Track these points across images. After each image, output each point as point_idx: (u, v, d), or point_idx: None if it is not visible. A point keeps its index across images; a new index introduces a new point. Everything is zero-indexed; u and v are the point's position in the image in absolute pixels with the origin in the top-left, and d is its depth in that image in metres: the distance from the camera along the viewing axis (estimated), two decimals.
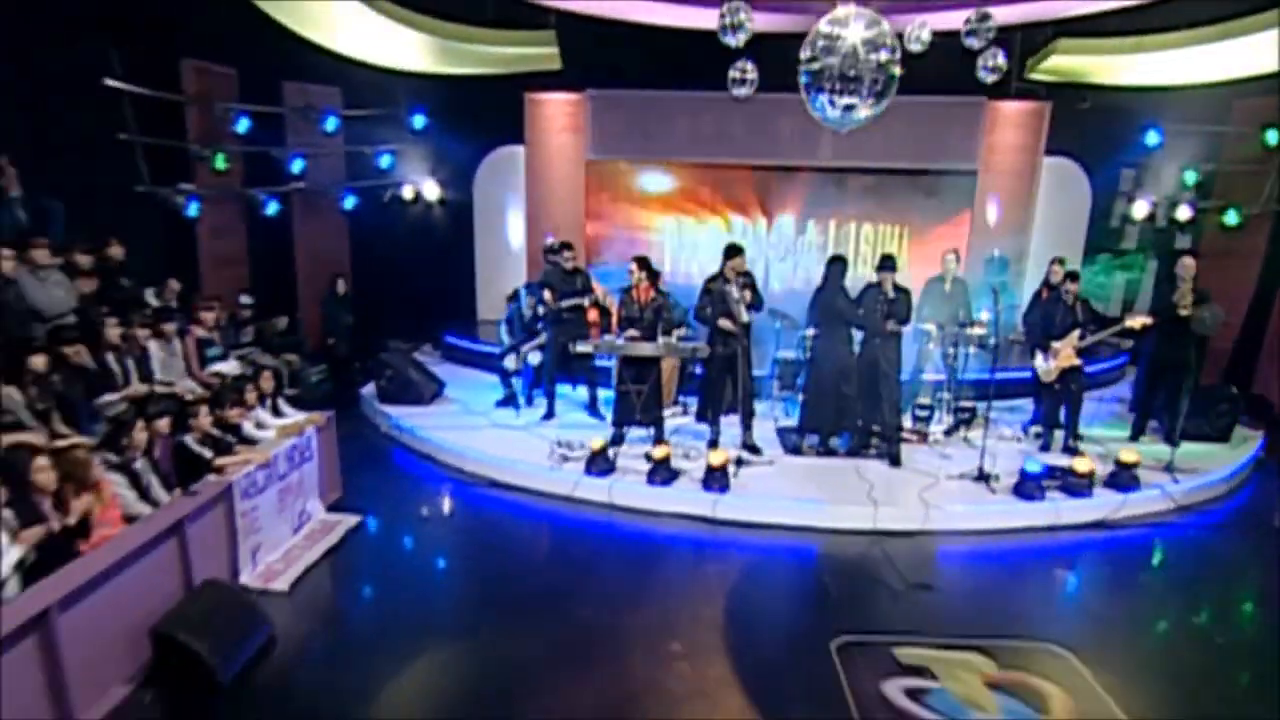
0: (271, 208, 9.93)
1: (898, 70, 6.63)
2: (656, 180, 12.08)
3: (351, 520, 6.80)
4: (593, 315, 8.95)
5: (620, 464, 7.52)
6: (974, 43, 6.88)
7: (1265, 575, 6.42)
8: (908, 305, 7.63)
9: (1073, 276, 8.05)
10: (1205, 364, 9.59)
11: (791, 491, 7.15)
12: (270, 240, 10.66)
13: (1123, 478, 7.22)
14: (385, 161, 11.54)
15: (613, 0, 9.74)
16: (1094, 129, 11.56)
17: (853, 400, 7.72)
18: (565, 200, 12.14)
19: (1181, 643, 5.46)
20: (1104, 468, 7.40)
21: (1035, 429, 8.52)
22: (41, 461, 4.52)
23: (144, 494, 5.32)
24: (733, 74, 7.13)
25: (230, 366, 7.40)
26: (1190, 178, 10.80)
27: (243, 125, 9.38)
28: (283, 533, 6.31)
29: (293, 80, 10.56)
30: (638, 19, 10.15)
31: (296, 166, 10.22)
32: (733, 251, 7.69)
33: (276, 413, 6.92)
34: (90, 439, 5.31)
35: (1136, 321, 7.70)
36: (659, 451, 7.26)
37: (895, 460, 7.70)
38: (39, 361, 5.28)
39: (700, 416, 8.38)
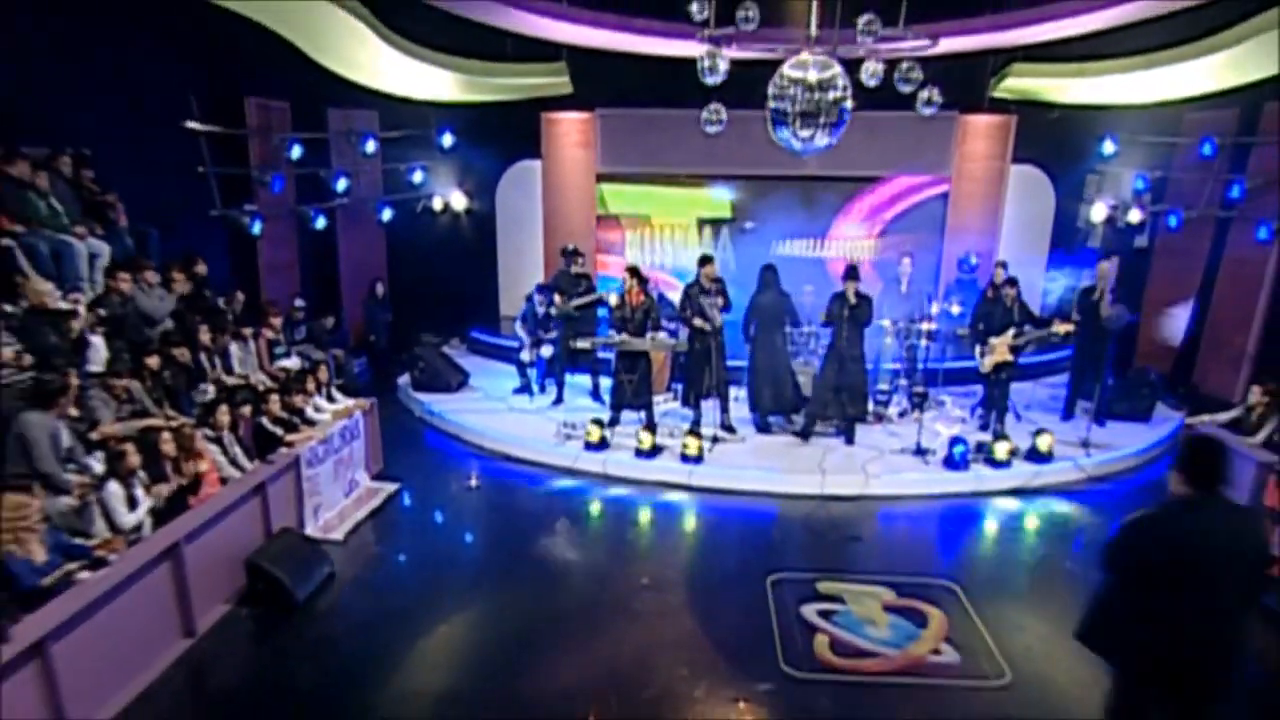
0: (320, 222, 11.47)
1: (850, 104, 7.95)
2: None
3: (391, 487, 8.37)
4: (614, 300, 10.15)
5: (614, 441, 8.98)
6: (905, 88, 8.13)
7: None
8: (869, 310, 8.98)
9: (1011, 281, 9.32)
10: (1135, 350, 10.80)
11: (755, 463, 8.59)
12: (317, 249, 12.22)
13: (1039, 452, 8.54)
14: (417, 177, 13.05)
15: (614, 33, 11.17)
16: (1057, 139, 12.76)
17: (789, 387, 9.09)
18: (577, 208, 13.59)
19: (1048, 581, 6.82)
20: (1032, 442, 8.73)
21: (981, 411, 9.85)
22: (166, 436, 6.11)
23: (233, 461, 6.90)
24: (705, 115, 8.46)
25: (293, 362, 8.97)
26: (1140, 184, 11.97)
27: (296, 152, 10.90)
28: (337, 496, 7.89)
29: (336, 107, 12.08)
30: (638, 50, 11.59)
31: (341, 185, 11.74)
32: (704, 261, 9.16)
33: (330, 399, 8.48)
34: (191, 419, 6.89)
35: (1061, 327, 8.98)
36: (645, 442, 8.70)
37: (850, 439, 9.08)
38: (154, 361, 6.87)
39: (684, 401, 9.80)
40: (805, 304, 10.59)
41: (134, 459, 5.84)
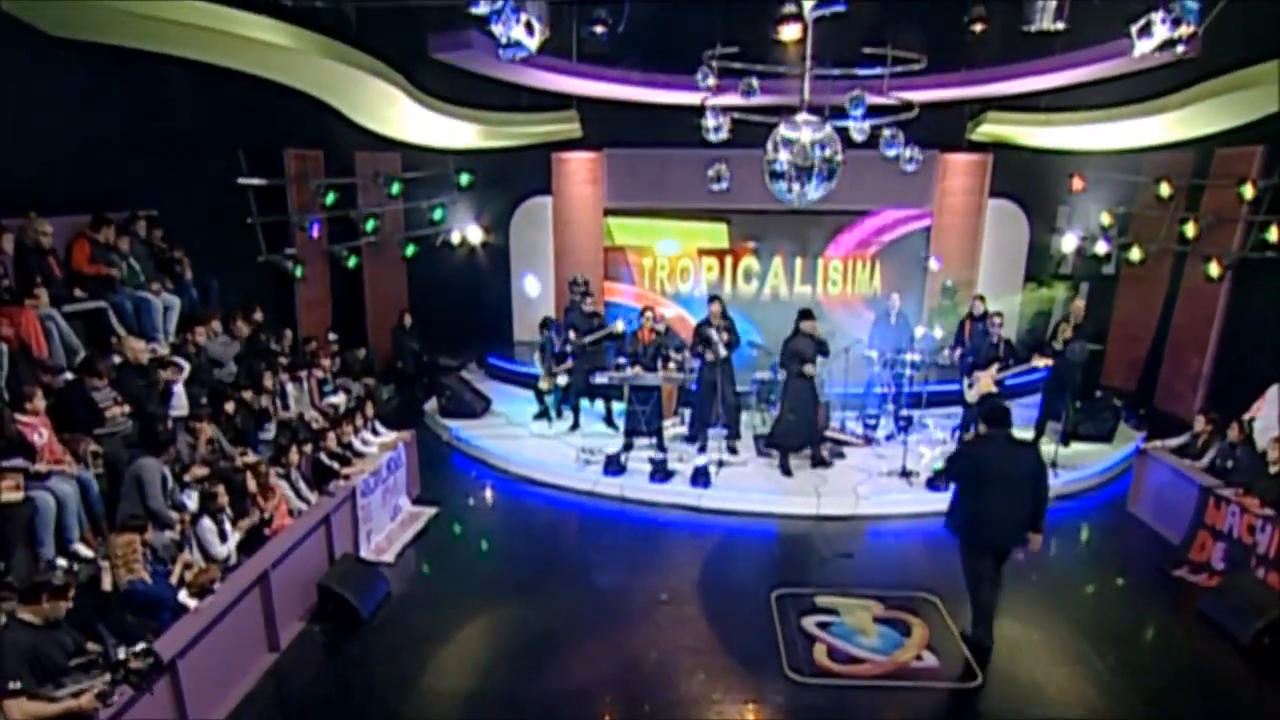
0: (351, 261, 12.31)
1: (840, 159, 8.80)
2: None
3: (431, 511, 9.21)
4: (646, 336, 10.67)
5: (630, 466, 9.85)
6: (890, 150, 8.97)
7: (1101, 545, 8.72)
8: (825, 350, 9.81)
9: (998, 316, 10.20)
10: (1097, 379, 11.71)
11: (757, 486, 9.47)
12: (346, 284, 13.03)
13: None
14: (438, 214, 13.90)
15: (620, 86, 12.03)
16: (1031, 175, 13.69)
17: (807, 426, 9.99)
18: (585, 240, 14.44)
19: (1017, 591, 7.65)
20: None
21: (961, 432, 10.75)
22: (248, 476, 6.95)
23: (298, 494, 7.73)
24: (710, 173, 9.29)
25: (339, 398, 9.81)
26: (1106, 219, 12.89)
27: (330, 198, 11.73)
28: (384, 520, 8.73)
29: (363, 150, 12.89)
30: (643, 100, 12.45)
31: (369, 225, 12.58)
32: (711, 300, 10.08)
33: (375, 432, 9.33)
34: (262, 457, 7.72)
35: (1041, 362, 9.88)
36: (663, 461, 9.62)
37: (823, 464, 9.99)
38: (229, 406, 7.71)
39: (690, 438, 10.64)
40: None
41: (223, 498, 6.68)
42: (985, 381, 9.89)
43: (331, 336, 11.69)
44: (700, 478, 9.45)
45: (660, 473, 9.58)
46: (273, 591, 6.56)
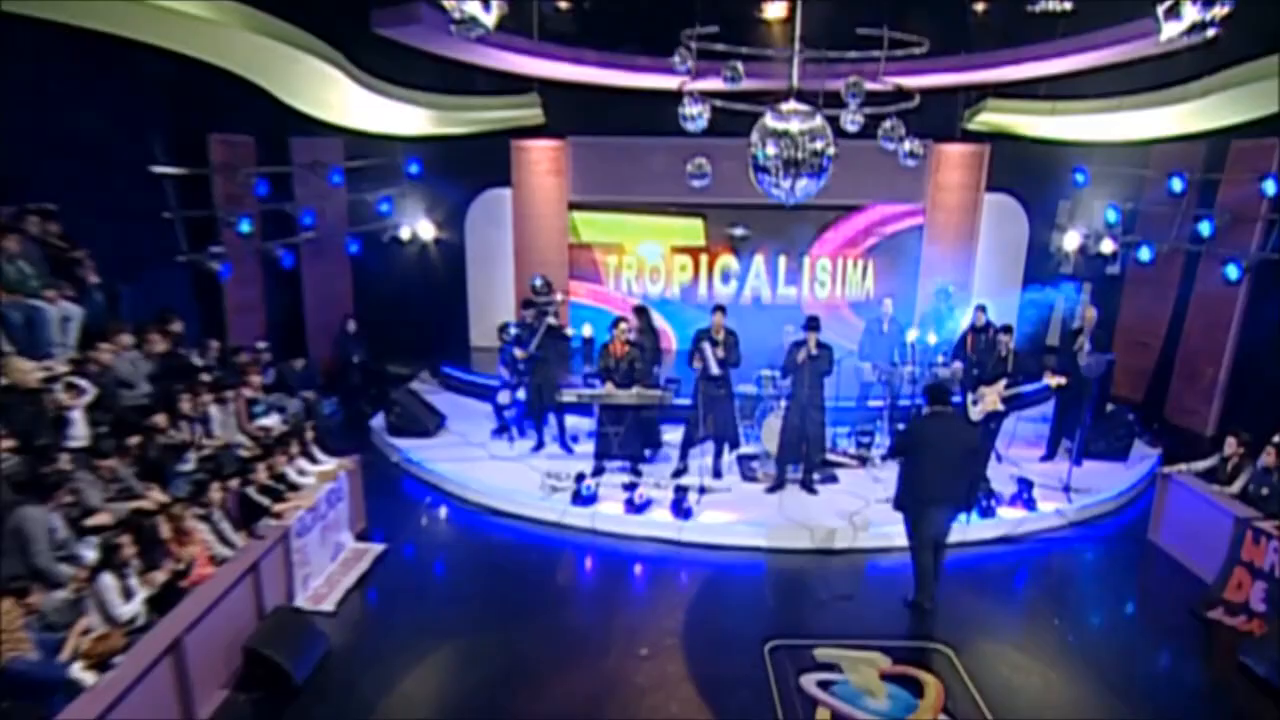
0: (287, 261, 11.53)
1: (832, 151, 8.28)
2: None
3: (377, 548, 8.53)
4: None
5: (601, 493, 9.24)
6: (890, 145, 8.46)
7: (1123, 580, 8.30)
8: (829, 360, 9.30)
9: (1007, 330, 9.74)
10: (1110, 391, 11.34)
11: (744, 516, 8.92)
12: (283, 286, 12.26)
13: (1024, 499, 8.99)
14: (385, 207, 13.16)
15: (586, 68, 11.42)
16: (1030, 168, 13.31)
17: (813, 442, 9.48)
18: (549, 238, 13.81)
19: (1037, 637, 7.23)
20: (1014, 487, 9.19)
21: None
22: (159, 520, 6.23)
23: (222, 538, 7.02)
24: (690, 167, 8.73)
25: (273, 420, 9.07)
26: (1112, 215, 12.53)
27: (262, 190, 10.96)
28: (324, 562, 8.04)
29: (300, 136, 12.11)
30: (611, 84, 11.85)
31: (307, 220, 11.82)
32: (715, 310, 9.62)
33: (313, 459, 8.61)
34: (177, 494, 7.00)
35: (1054, 381, 9.44)
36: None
37: (812, 489, 9.48)
38: (135, 440, 6.97)
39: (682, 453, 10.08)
40: (786, 344, 10.98)
41: (129, 548, 5.96)
42: (991, 398, 9.43)
43: (262, 346, 10.93)
44: (681, 507, 8.87)
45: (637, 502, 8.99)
46: (189, 658, 5.85)
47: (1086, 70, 10.84)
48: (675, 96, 8.11)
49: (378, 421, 11.44)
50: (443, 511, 9.62)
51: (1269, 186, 10.54)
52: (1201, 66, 9.97)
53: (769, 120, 8.41)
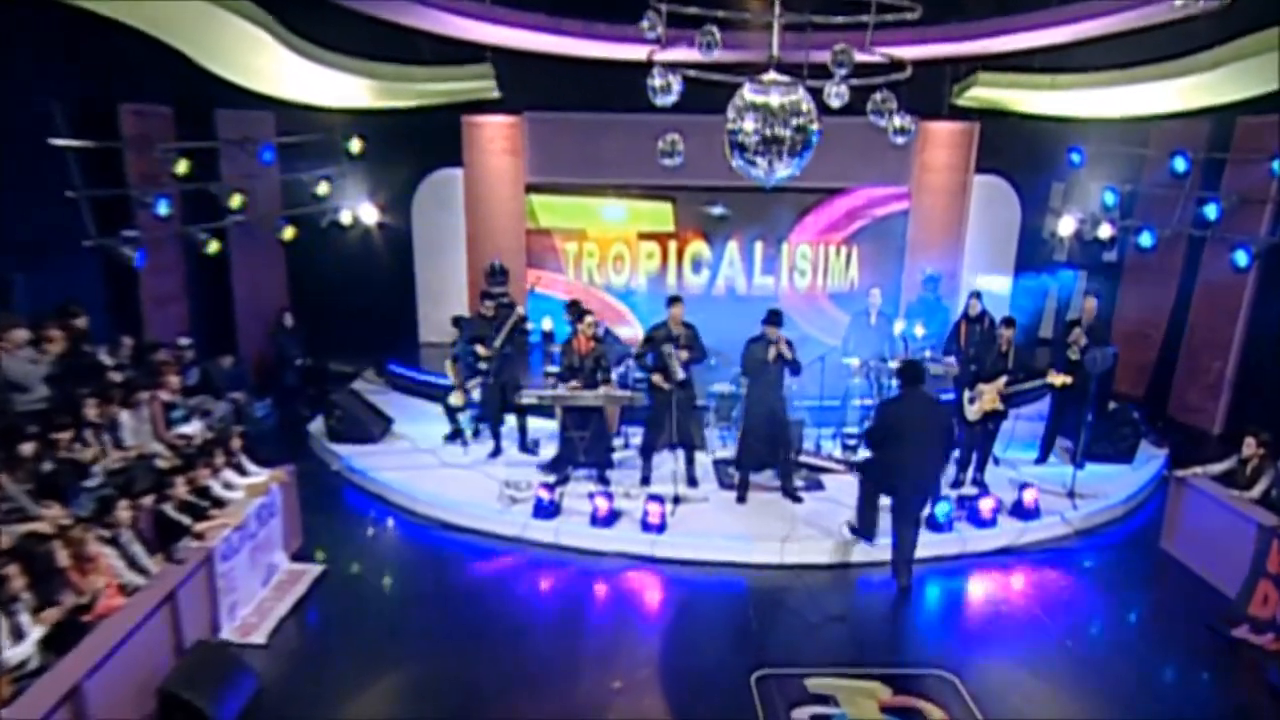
0: (212, 246, 10.90)
1: (815, 127, 7.89)
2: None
3: (315, 569, 8.01)
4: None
5: (566, 504, 8.79)
6: (880, 121, 8.08)
7: (1137, 595, 8.03)
8: (794, 355, 8.87)
9: (1009, 322, 9.40)
10: (1112, 388, 11.11)
11: (723, 529, 8.54)
12: (208, 275, 11.62)
13: (1025, 506, 8.70)
14: (322, 188, 12.56)
15: (545, 35, 10.90)
16: (1022, 148, 13.05)
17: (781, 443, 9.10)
18: (504, 222, 13.30)
19: (1046, 660, 6.91)
20: (1014, 493, 8.91)
21: (955, 453, 9.96)
22: (57, 545, 5.67)
23: (132, 564, 6.46)
24: (661, 145, 8.28)
25: (194, 428, 8.49)
26: (1110, 198, 12.31)
27: (182, 166, 10.31)
28: (254, 587, 7.50)
29: (226, 108, 11.48)
30: (572, 53, 11.35)
31: (235, 202, 11.18)
32: (672, 301, 9.07)
33: (242, 471, 8.05)
34: (79, 513, 6.42)
35: (1057, 380, 9.12)
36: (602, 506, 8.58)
37: (796, 498, 9.11)
38: (28, 449, 6.39)
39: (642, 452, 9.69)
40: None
41: (18, 582, 5.41)
42: (990, 397, 9.09)
43: (185, 343, 10.33)
44: (653, 519, 8.44)
45: (607, 515, 8.55)
46: (91, 706, 5.31)
47: (1086, 41, 10.55)
48: (643, 68, 7.69)
49: (317, 426, 10.87)
50: (390, 526, 9.12)
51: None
52: (1210, 37, 9.74)
53: (747, 92, 8.03)
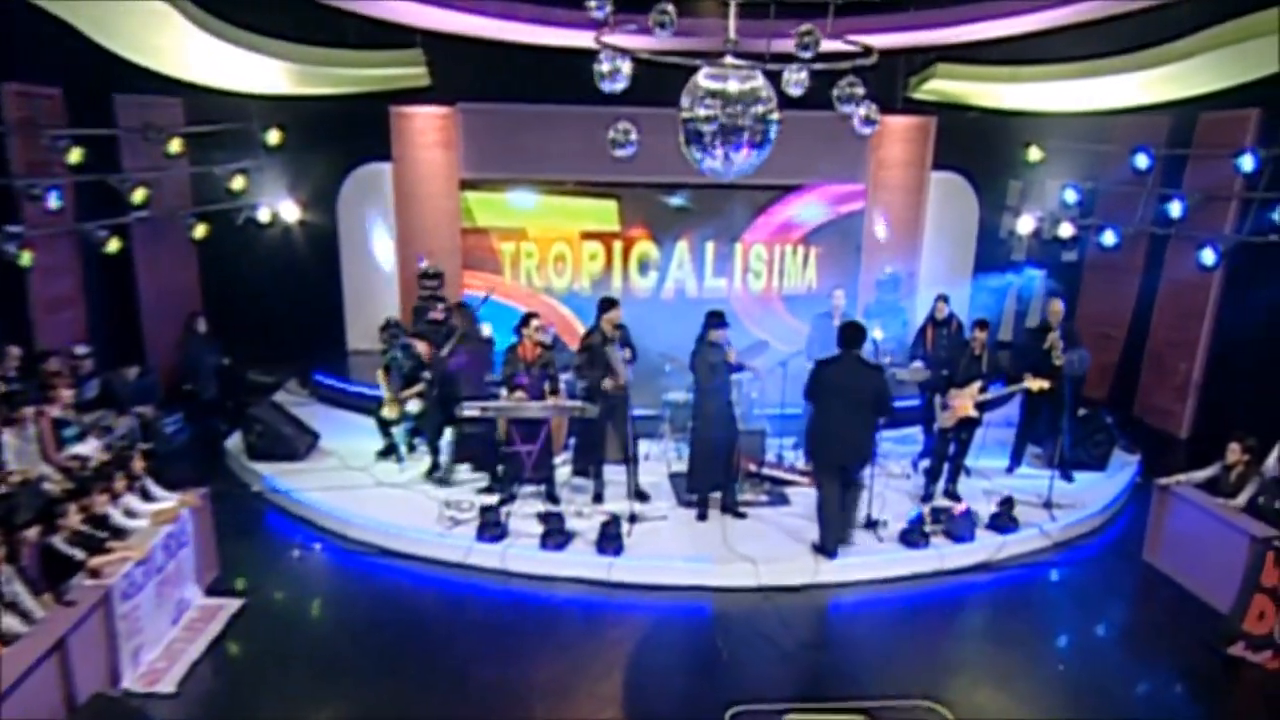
0: (112, 244, 10.07)
1: (776, 117, 7.46)
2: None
3: (233, 604, 7.28)
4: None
5: (513, 525, 8.20)
6: (848, 108, 7.68)
7: (1126, 611, 7.76)
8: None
9: (982, 325, 9.06)
10: (1081, 392, 10.91)
11: (684, 549, 8.05)
12: (109, 277, 10.79)
13: (1003, 519, 8.37)
14: (237, 183, 11.76)
15: (478, 18, 10.27)
16: (980, 144, 12.85)
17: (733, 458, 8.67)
18: (438, 221, 12.64)
19: (1035, 684, 6.57)
20: (988, 505, 8.61)
21: (924, 463, 9.63)
22: None
23: (11, 605, 5.69)
24: (612, 135, 7.77)
25: (90, 446, 7.70)
26: (1071, 196, 12.14)
27: (75, 155, 9.47)
28: (162, 627, 6.76)
29: (126, 93, 10.65)
30: (508, 38, 10.75)
31: (138, 196, 10.36)
32: (608, 305, 8.61)
33: (147, 495, 7.29)
34: None
35: (1034, 384, 8.82)
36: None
37: (729, 512, 8.66)
38: None
39: (579, 472, 9.15)
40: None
41: None
42: (964, 403, 8.74)
43: (82, 351, 9.50)
44: (609, 540, 7.90)
45: (557, 535, 7.97)
46: None
47: (1050, 31, 10.32)
48: (586, 55, 7.22)
49: (234, 442, 10.10)
50: (318, 553, 8.40)
51: (1245, 162, 10.23)
52: (1176, 28, 9.56)
53: (703, 79, 7.56)
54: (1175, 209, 10.95)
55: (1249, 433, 7.89)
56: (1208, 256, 10.56)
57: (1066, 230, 12.25)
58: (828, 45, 7.69)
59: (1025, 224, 12.71)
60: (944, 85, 11.83)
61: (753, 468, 9.24)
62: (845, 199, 12.93)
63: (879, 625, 7.42)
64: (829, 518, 7.83)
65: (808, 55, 7.31)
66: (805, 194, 12.86)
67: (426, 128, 12.48)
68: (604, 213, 12.85)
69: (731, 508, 8.68)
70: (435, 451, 9.43)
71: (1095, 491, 9.35)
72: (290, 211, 12.30)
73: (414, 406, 9.64)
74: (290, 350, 12.08)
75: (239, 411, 10.45)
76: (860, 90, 7.75)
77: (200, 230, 11.53)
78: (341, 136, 12.24)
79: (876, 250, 12.94)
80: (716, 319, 8.37)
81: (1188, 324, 11.25)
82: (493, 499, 8.61)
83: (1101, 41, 10.31)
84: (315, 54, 10.42)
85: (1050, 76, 10.90)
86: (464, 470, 9.49)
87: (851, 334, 7.82)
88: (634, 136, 7.92)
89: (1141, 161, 11.33)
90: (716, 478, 8.62)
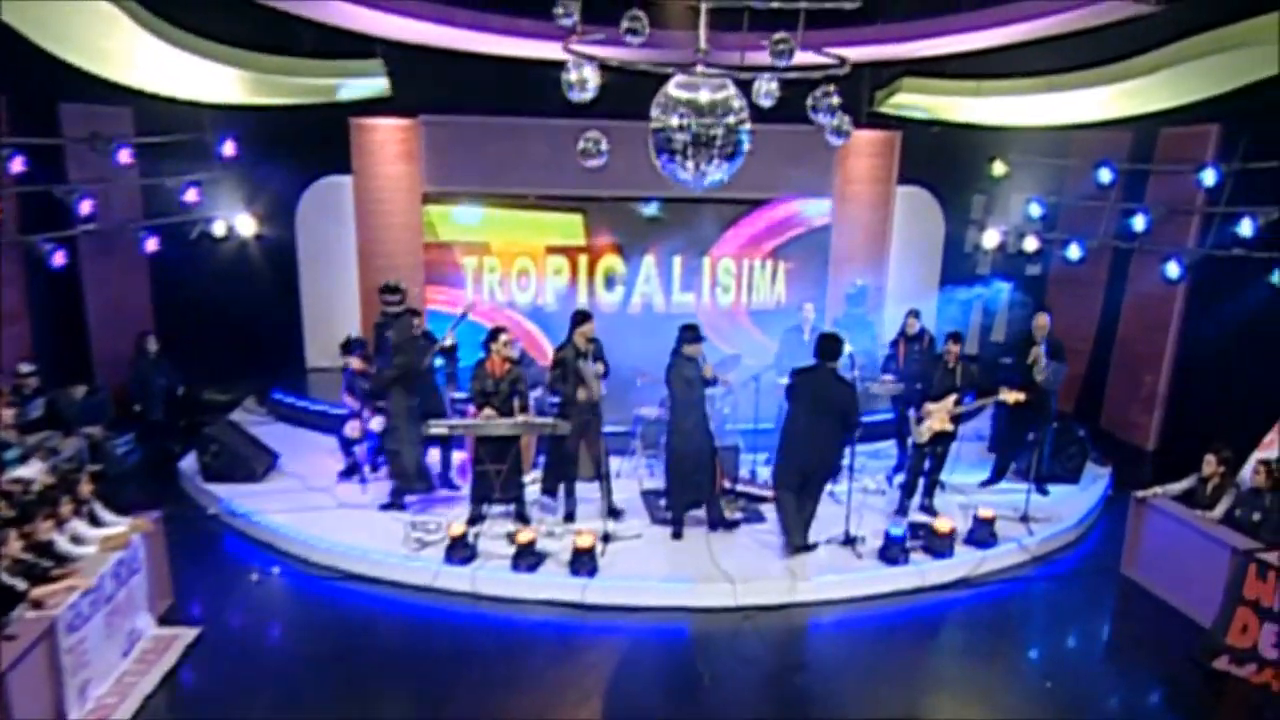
0: (57, 258, 9.62)
1: (749, 128, 7.30)
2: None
3: (189, 634, 6.90)
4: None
5: (482, 547, 7.90)
6: (822, 118, 7.54)
7: (1108, 626, 7.71)
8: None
9: (956, 338, 8.95)
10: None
11: (660, 569, 7.82)
12: (56, 292, 10.34)
13: (981, 533, 8.25)
14: (191, 195, 11.34)
15: (442, 27, 10.01)
16: (945, 158, 12.84)
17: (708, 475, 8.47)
18: (399, 236, 12.34)
19: (1026, 707, 6.37)
20: (964, 519, 8.48)
21: (899, 478, 9.50)
22: None
23: None
24: (582, 145, 7.56)
25: (32, 470, 7.25)
26: (1035, 210, 12.16)
27: (17, 165, 9.05)
28: (112, 660, 6.36)
29: (73, 101, 10.24)
30: (472, 49, 10.51)
31: (85, 207, 9.93)
32: (581, 318, 8.40)
33: (95, 521, 6.89)
34: None
35: (1010, 396, 8.72)
36: (523, 535, 7.69)
37: (720, 526, 8.47)
38: None
39: (548, 490, 8.88)
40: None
41: None
42: (940, 417, 8.61)
43: (27, 369, 9.06)
44: (583, 561, 7.63)
45: (528, 558, 7.69)
46: None
47: (1016, 45, 10.32)
48: (552, 66, 7.03)
49: (189, 464, 9.67)
50: (279, 578, 8.02)
51: (1207, 176, 10.28)
52: (1141, 42, 9.60)
53: (674, 89, 7.39)
54: (1140, 223, 10.98)
55: (1223, 444, 7.85)
56: (1173, 270, 10.59)
57: (1031, 244, 12.26)
58: (800, 57, 7.63)
59: (990, 238, 12.70)
60: (910, 99, 11.81)
61: (726, 484, 9.02)
62: (811, 212, 12.84)
63: (861, 644, 7.24)
64: (788, 520, 7.97)
65: (783, 63, 7.21)
66: (773, 208, 12.74)
67: (388, 140, 12.19)
68: (569, 226, 12.64)
69: (721, 522, 8.47)
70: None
71: (1070, 505, 9.27)
72: (246, 225, 11.89)
73: (377, 424, 9.32)
74: (247, 368, 11.67)
75: (193, 431, 10.03)
76: (835, 100, 7.68)
77: (152, 244, 11.10)
78: (300, 149, 11.86)
79: (845, 264, 12.85)
80: (691, 333, 8.19)
81: (1153, 336, 11.27)
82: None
83: (1065, 56, 10.33)
84: (271, 62, 10.11)
85: (1015, 90, 10.92)
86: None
87: (828, 346, 7.88)
88: (605, 146, 7.74)
89: (1105, 176, 11.36)
90: (696, 494, 8.42)
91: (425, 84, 11.47)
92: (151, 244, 11.10)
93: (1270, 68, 8.72)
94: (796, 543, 7.90)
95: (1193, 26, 9.03)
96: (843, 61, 7.61)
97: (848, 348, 10.05)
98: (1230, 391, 10.06)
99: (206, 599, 7.53)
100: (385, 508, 8.71)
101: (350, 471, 9.47)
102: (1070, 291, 12.45)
